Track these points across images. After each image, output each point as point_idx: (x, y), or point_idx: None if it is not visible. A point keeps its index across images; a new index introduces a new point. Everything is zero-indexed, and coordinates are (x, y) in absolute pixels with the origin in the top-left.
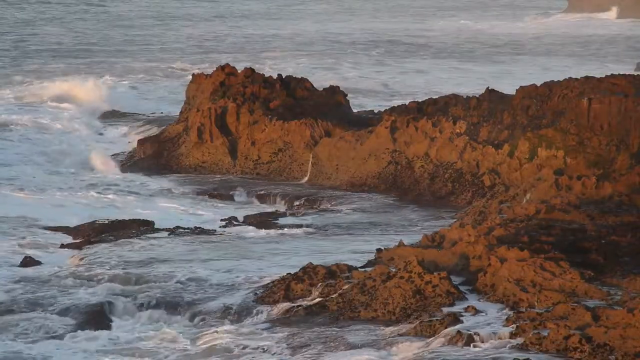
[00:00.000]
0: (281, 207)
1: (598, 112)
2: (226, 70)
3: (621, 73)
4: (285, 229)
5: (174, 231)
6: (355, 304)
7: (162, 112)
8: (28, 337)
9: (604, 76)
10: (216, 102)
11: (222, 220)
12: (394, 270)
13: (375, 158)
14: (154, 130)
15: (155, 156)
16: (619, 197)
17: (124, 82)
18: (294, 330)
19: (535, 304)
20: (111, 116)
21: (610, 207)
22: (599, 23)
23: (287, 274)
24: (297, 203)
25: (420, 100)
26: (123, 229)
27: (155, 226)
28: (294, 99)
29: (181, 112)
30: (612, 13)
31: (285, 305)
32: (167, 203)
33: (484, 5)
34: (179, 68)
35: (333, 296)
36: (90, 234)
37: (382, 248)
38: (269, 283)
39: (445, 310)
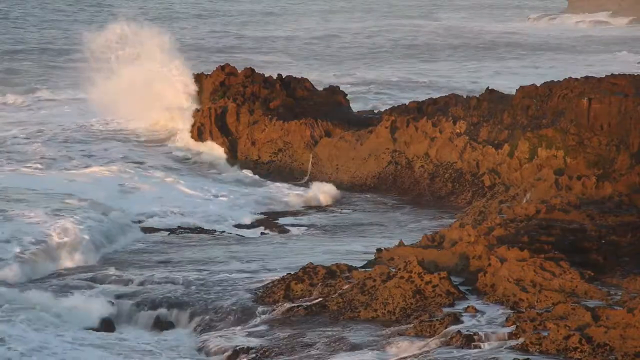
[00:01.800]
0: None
1: (598, 112)
2: (226, 70)
3: (621, 73)
4: (285, 229)
5: (174, 231)
6: (355, 304)
7: None
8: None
9: (604, 76)
10: (216, 102)
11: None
12: (394, 270)
13: (375, 158)
14: None
15: None
16: (619, 197)
17: None
18: (294, 331)
19: (535, 304)
20: None
21: (610, 207)
22: (598, 23)
23: (287, 274)
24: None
25: (420, 100)
26: None
27: (157, 226)
28: (294, 99)
29: None
30: (612, 13)
31: (286, 305)
32: None
33: (483, 5)
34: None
35: (333, 296)
36: None
37: (382, 248)
38: (268, 283)
39: (445, 310)
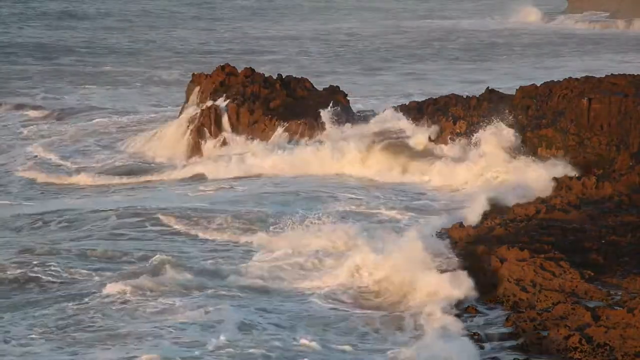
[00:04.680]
0: None
1: (598, 112)
2: (226, 70)
3: (621, 73)
4: None
5: None
6: None
7: None
8: None
9: (604, 76)
10: (216, 102)
11: None
12: None
13: None
14: None
15: None
16: (619, 197)
17: None
18: None
19: (535, 304)
20: None
21: (610, 207)
22: (598, 22)
23: None
24: None
25: (420, 100)
26: None
27: None
28: (294, 99)
29: (181, 112)
30: (612, 13)
31: None
32: None
33: (480, 5)
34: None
35: None
36: None
37: None
38: None
39: None
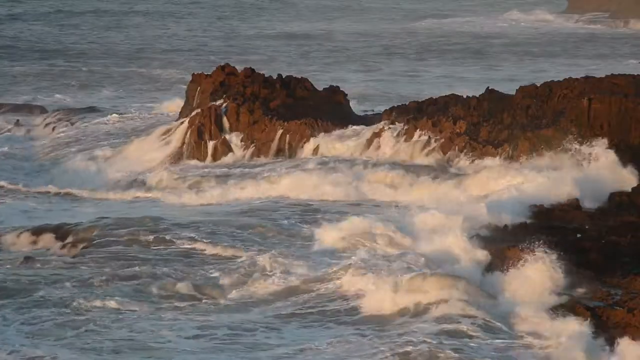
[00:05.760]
0: None
1: (598, 112)
2: (226, 70)
3: (622, 73)
4: None
5: None
6: None
7: None
8: None
9: (603, 76)
10: (216, 102)
11: None
12: None
13: None
14: None
15: None
16: (619, 197)
17: None
18: None
19: None
20: None
21: (610, 207)
22: (598, 22)
23: None
24: None
25: (420, 100)
26: None
27: None
28: (294, 99)
29: (181, 112)
30: (612, 13)
31: None
32: None
33: (480, 5)
34: None
35: None
36: None
37: None
38: None
39: None
